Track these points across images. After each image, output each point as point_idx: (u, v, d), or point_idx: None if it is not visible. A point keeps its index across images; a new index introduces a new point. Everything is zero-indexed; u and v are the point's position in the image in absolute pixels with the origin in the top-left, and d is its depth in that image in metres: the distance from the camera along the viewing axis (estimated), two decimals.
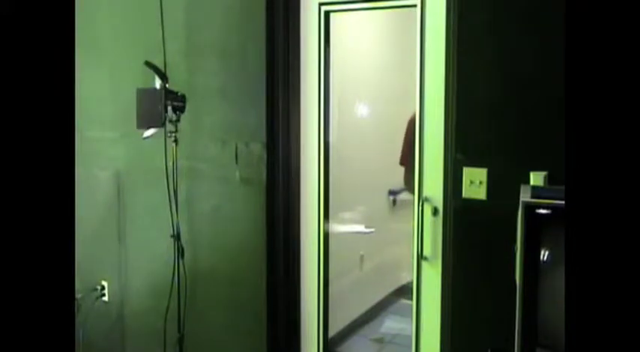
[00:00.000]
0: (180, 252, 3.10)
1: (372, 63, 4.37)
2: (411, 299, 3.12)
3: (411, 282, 4.20)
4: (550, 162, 2.57)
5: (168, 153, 3.06)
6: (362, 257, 4.11)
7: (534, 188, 2.44)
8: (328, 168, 3.33)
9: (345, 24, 3.57)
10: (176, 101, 2.99)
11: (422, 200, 2.95)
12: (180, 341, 3.12)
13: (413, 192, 2.90)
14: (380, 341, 4.04)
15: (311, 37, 3.18)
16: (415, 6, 2.99)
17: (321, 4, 3.17)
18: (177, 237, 3.09)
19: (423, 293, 3.05)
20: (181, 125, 3.05)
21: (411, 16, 3.45)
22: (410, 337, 3.10)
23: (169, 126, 3.02)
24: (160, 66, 3.00)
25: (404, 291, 4.65)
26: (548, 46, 2.56)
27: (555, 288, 2.16)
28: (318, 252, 3.29)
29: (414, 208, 3.04)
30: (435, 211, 2.93)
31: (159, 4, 3.05)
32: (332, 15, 3.24)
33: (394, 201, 4.56)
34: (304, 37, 3.21)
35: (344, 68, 3.53)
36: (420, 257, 3.00)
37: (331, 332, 3.49)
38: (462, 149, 2.82)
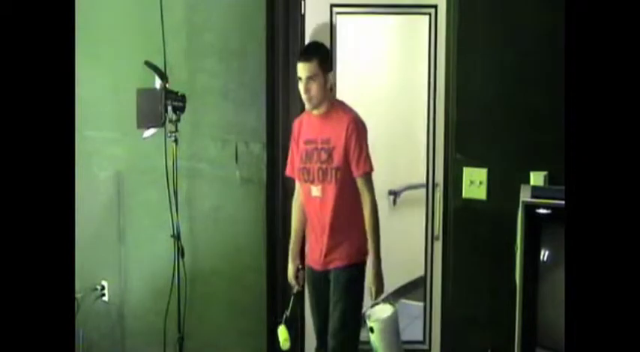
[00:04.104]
0: (180, 252, 3.09)
1: (374, 65, 4.37)
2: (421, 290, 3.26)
3: (410, 282, 4.20)
4: (550, 162, 2.57)
5: (168, 153, 3.06)
6: None
7: (534, 188, 2.44)
8: None
9: (348, 27, 3.58)
10: (176, 101, 2.99)
11: (433, 185, 3.18)
12: (180, 341, 3.12)
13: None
14: None
15: (318, 38, 3.18)
16: (429, 14, 3.12)
17: (332, 6, 3.19)
18: (177, 237, 3.09)
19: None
20: (181, 125, 3.04)
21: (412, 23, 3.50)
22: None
23: (169, 126, 3.02)
24: (160, 66, 2.99)
25: (404, 291, 4.64)
26: (548, 46, 2.56)
27: (555, 288, 2.16)
28: None
29: (426, 192, 3.24)
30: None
31: (159, 4, 3.05)
32: (338, 17, 3.27)
33: (394, 201, 4.55)
34: (312, 38, 3.20)
35: (345, 68, 3.53)
36: (432, 237, 3.20)
37: None
38: (461, 149, 2.82)
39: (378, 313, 2.77)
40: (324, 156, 2.73)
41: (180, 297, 3.12)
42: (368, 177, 2.72)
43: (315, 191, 2.76)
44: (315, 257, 2.83)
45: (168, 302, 3.12)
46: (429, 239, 3.25)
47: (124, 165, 3.56)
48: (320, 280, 2.83)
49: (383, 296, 2.84)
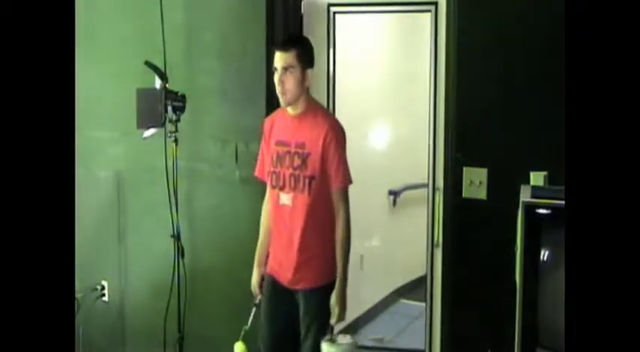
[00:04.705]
0: (180, 251, 3.09)
1: (374, 64, 4.37)
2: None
3: (410, 282, 4.17)
4: (550, 162, 2.57)
5: (168, 153, 3.06)
6: (362, 257, 4.11)
7: (534, 188, 2.45)
8: None
9: (348, 26, 3.59)
10: (176, 101, 2.99)
11: (435, 190, 3.13)
12: (180, 340, 3.12)
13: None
14: (380, 341, 4.04)
15: (317, 38, 3.17)
16: (430, 11, 3.09)
17: (330, 5, 3.19)
18: (177, 236, 3.09)
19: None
20: (181, 125, 3.05)
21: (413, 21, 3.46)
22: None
23: (169, 126, 3.02)
24: (160, 66, 3.00)
25: (404, 291, 4.65)
26: (548, 47, 2.56)
27: (555, 288, 2.16)
28: None
29: (427, 195, 3.19)
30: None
31: (159, 4, 3.05)
32: (337, 16, 3.27)
33: (394, 201, 4.56)
34: (310, 38, 3.19)
35: (344, 68, 3.53)
36: (433, 239, 3.16)
37: None
38: (462, 149, 2.82)
39: (337, 339, 2.50)
40: (297, 161, 2.50)
41: (180, 297, 3.13)
42: (345, 190, 2.51)
43: (285, 199, 2.53)
44: (281, 271, 2.61)
45: (168, 302, 3.12)
46: (430, 240, 3.22)
47: (123, 165, 3.56)
48: (282, 294, 2.62)
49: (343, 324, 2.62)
